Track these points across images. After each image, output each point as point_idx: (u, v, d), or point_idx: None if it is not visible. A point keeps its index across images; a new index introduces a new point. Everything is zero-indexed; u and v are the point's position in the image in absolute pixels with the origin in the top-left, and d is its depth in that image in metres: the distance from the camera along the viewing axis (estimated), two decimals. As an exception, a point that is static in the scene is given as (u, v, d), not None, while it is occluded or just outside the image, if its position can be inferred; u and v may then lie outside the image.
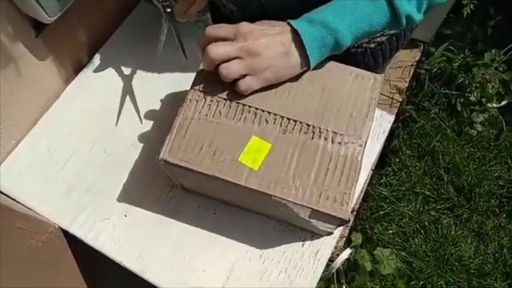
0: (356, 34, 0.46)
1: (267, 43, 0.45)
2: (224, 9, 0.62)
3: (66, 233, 0.57)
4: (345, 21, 0.45)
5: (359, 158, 0.46)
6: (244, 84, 0.46)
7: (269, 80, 0.47)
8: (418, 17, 0.47)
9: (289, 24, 0.45)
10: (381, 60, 0.64)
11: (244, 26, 0.45)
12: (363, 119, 0.47)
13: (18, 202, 0.58)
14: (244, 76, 0.46)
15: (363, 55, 0.62)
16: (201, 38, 0.46)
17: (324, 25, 0.45)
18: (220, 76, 0.45)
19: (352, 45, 0.51)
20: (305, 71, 0.49)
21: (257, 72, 0.45)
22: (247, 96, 0.48)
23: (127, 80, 0.65)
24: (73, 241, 0.58)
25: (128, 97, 0.64)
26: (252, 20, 0.47)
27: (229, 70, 0.45)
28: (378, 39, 0.60)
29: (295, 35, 0.45)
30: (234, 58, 0.45)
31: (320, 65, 0.50)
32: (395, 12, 0.45)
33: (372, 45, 0.61)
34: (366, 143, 0.46)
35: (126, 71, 0.66)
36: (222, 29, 0.45)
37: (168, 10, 0.52)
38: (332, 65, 0.51)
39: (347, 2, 0.46)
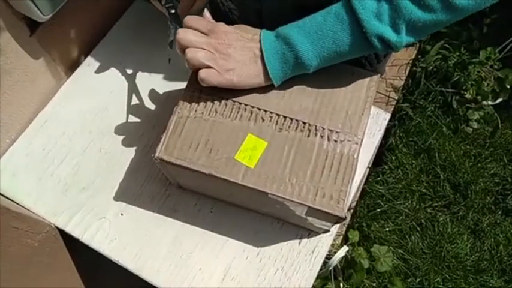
0: (321, 54, 0.44)
1: (236, 46, 0.45)
2: (223, 7, 0.62)
3: (62, 232, 0.57)
4: (307, 39, 0.43)
5: (355, 156, 0.46)
6: (205, 73, 0.44)
7: (232, 82, 0.46)
8: (396, 38, 0.42)
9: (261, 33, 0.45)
10: (382, 55, 0.63)
11: (221, 26, 0.46)
12: (358, 117, 0.47)
13: (14, 201, 0.57)
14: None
15: None
16: (182, 27, 0.46)
17: (286, 41, 0.44)
18: (185, 58, 0.45)
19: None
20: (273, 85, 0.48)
21: (221, 69, 0.45)
22: (243, 94, 0.48)
23: (122, 79, 0.65)
24: (69, 240, 0.58)
25: (123, 96, 0.64)
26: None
27: (193, 54, 0.44)
28: None
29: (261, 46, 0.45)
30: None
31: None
32: (364, 32, 0.41)
33: None
34: (361, 140, 0.46)
35: (122, 69, 0.66)
36: (198, 22, 0.45)
37: (172, 11, 0.52)
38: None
39: (317, 19, 0.44)
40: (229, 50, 0.45)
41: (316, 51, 0.44)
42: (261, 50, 0.45)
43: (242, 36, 0.45)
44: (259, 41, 0.45)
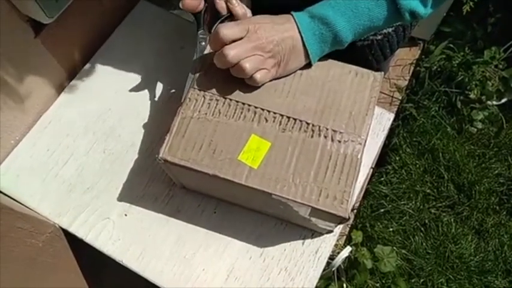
0: (357, 30, 0.46)
1: (278, 40, 0.46)
2: None
3: (66, 233, 0.57)
4: (344, 17, 0.45)
5: (359, 156, 0.46)
6: (260, 75, 0.47)
7: (280, 73, 0.48)
8: (424, 11, 0.47)
9: (292, 17, 0.46)
10: (389, 51, 0.63)
11: (254, 21, 0.46)
12: (362, 117, 0.47)
13: (18, 202, 0.58)
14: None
15: (370, 48, 0.61)
16: (215, 39, 0.45)
17: (323, 21, 0.46)
18: (241, 72, 0.46)
19: (358, 39, 0.50)
20: (307, 66, 0.49)
21: (270, 66, 0.47)
22: (246, 94, 0.48)
23: (126, 80, 0.65)
24: (73, 241, 0.58)
25: (127, 97, 0.64)
26: (259, 11, 0.47)
27: (249, 68, 0.45)
28: (385, 30, 0.60)
29: (298, 29, 0.46)
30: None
31: (320, 63, 0.50)
32: (398, 8, 0.45)
33: (379, 37, 0.60)
34: (365, 141, 0.46)
35: (125, 70, 0.66)
36: (233, 31, 0.45)
37: (202, 43, 0.52)
38: (332, 63, 0.51)
39: None
40: (271, 46, 0.46)
41: (353, 28, 0.46)
42: (299, 33, 0.46)
43: (278, 26, 0.46)
44: (296, 24, 0.46)
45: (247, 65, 0.45)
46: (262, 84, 0.48)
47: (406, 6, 0.45)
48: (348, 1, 0.46)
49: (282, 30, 0.46)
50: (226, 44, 0.45)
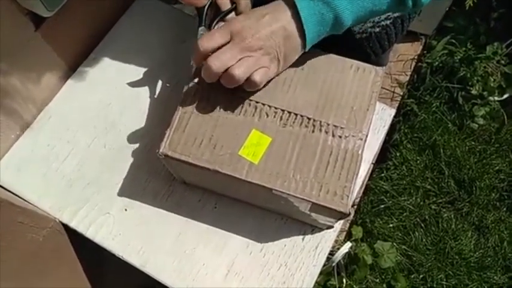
0: (358, 13, 0.44)
1: (266, 33, 0.43)
2: None
3: (67, 228, 0.58)
4: None
5: (359, 152, 0.45)
6: (258, 76, 0.44)
7: (281, 67, 0.46)
8: None
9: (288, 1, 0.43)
10: (387, 43, 0.63)
11: (236, 23, 0.43)
12: (363, 113, 0.47)
13: (19, 197, 0.58)
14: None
15: (368, 40, 0.60)
16: (197, 53, 0.43)
17: (324, 1, 0.43)
18: (231, 81, 0.43)
19: (357, 31, 0.49)
20: (308, 60, 0.48)
21: (266, 63, 0.44)
22: (247, 90, 0.48)
23: (127, 74, 0.65)
24: (74, 236, 0.58)
25: (128, 92, 0.64)
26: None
27: (239, 74, 0.42)
28: (383, 23, 0.59)
29: (294, 11, 0.43)
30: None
31: (321, 57, 0.50)
32: None
33: (377, 30, 0.59)
34: (366, 136, 0.46)
35: (126, 65, 0.66)
36: (215, 37, 0.43)
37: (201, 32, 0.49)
38: (332, 57, 0.50)
39: None
40: (261, 42, 0.43)
41: (355, 10, 0.43)
42: (292, 18, 0.43)
43: (263, 19, 0.43)
44: (288, 8, 0.43)
45: (236, 72, 0.42)
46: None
47: None
48: None
49: (270, 22, 0.43)
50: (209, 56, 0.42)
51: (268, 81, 0.48)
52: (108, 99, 0.64)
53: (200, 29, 0.49)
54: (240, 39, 0.42)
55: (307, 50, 0.46)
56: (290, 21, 0.43)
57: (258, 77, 0.44)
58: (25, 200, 0.57)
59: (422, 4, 0.46)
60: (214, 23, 0.48)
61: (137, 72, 0.65)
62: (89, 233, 0.56)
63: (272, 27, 0.43)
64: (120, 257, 0.55)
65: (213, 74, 0.43)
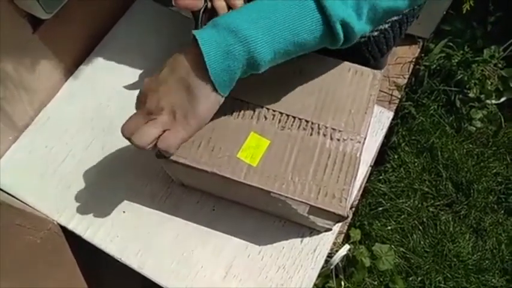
0: (277, 46, 0.36)
1: (165, 90, 0.38)
2: None
3: (65, 230, 0.57)
4: (258, 27, 0.35)
5: (358, 155, 0.46)
6: (161, 142, 0.39)
7: (193, 124, 0.40)
8: (358, 25, 0.38)
9: (193, 37, 0.37)
10: (385, 47, 0.62)
11: (144, 84, 0.41)
12: (361, 116, 0.47)
13: (17, 198, 0.57)
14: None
15: (367, 44, 0.60)
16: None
17: (230, 30, 0.35)
18: (139, 149, 0.40)
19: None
20: (306, 64, 0.47)
21: (169, 126, 0.39)
22: (245, 92, 0.48)
23: (125, 76, 0.65)
24: (72, 238, 0.58)
25: (126, 94, 0.64)
26: None
27: (141, 139, 0.39)
28: (381, 26, 0.58)
29: (195, 46, 0.36)
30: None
31: (318, 61, 0.50)
32: (327, 16, 0.36)
33: (375, 34, 0.59)
34: (364, 139, 0.46)
35: (124, 67, 0.66)
36: (132, 119, 0.40)
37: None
38: (330, 61, 0.50)
39: (265, 4, 0.36)
40: (162, 103, 0.38)
41: (270, 41, 0.36)
42: (194, 55, 0.36)
43: (161, 72, 0.39)
44: (189, 51, 0.37)
45: (136, 142, 0.39)
46: (262, 82, 0.48)
47: (337, 14, 0.36)
48: (262, 8, 0.36)
49: (166, 76, 0.39)
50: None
51: (268, 83, 0.48)
52: (106, 100, 0.64)
53: None
54: (143, 102, 0.39)
55: (226, 94, 0.40)
56: (190, 64, 0.37)
57: (163, 145, 0.40)
58: (23, 202, 0.57)
59: (355, 33, 0.38)
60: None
61: (136, 73, 0.65)
62: (87, 235, 0.56)
63: (169, 81, 0.38)
64: (118, 259, 0.55)
65: (136, 146, 0.39)
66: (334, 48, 0.41)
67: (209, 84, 0.38)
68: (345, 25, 0.37)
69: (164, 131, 0.40)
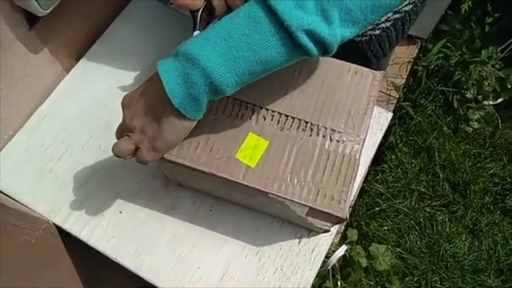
0: (237, 67, 0.35)
1: (136, 110, 0.40)
2: None
3: (60, 230, 0.57)
4: (215, 50, 0.34)
5: (357, 156, 0.45)
6: (138, 157, 0.42)
7: (159, 148, 0.41)
8: (329, 31, 0.34)
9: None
10: (388, 46, 0.61)
11: (122, 100, 0.42)
12: (361, 117, 0.47)
13: (12, 198, 0.57)
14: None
15: (369, 43, 0.60)
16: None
17: (187, 57, 0.35)
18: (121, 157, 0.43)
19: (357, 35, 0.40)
20: (305, 64, 0.47)
21: (140, 145, 0.41)
22: (244, 93, 0.47)
23: (122, 75, 0.65)
24: (68, 238, 0.58)
25: (123, 93, 0.63)
26: None
27: (119, 152, 0.42)
28: (383, 25, 0.57)
29: (158, 75, 0.37)
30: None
31: (318, 61, 0.50)
32: (285, 27, 0.33)
33: (377, 32, 0.58)
34: (364, 141, 0.46)
35: (121, 65, 0.65)
36: (118, 127, 0.44)
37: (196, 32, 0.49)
38: (330, 61, 0.50)
39: (223, 25, 0.35)
40: (134, 122, 0.40)
41: (229, 64, 0.34)
42: (159, 83, 0.36)
43: (136, 92, 0.41)
44: (157, 70, 0.37)
45: (114, 152, 0.42)
46: (261, 82, 0.48)
47: (296, 24, 0.33)
48: (219, 30, 0.35)
49: (139, 98, 0.40)
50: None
51: (268, 83, 0.48)
52: (102, 100, 0.63)
53: (195, 33, 0.49)
54: (122, 119, 0.42)
55: (198, 117, 0.40)
56: (156, 92, 0.38)
57: (138, 159, 0.42)
58: (18, 202, 0.57)
59: (328, 40, 0.34)
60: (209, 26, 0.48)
61: (132, 72, 0.65)
62: (83, 235, 0.55)
63: (140, 103, 0.40)
64: (115, 260, 0.54)
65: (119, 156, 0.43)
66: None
67: (175, 111, 0.38)
68: (311, 34, 0.33)
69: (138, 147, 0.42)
